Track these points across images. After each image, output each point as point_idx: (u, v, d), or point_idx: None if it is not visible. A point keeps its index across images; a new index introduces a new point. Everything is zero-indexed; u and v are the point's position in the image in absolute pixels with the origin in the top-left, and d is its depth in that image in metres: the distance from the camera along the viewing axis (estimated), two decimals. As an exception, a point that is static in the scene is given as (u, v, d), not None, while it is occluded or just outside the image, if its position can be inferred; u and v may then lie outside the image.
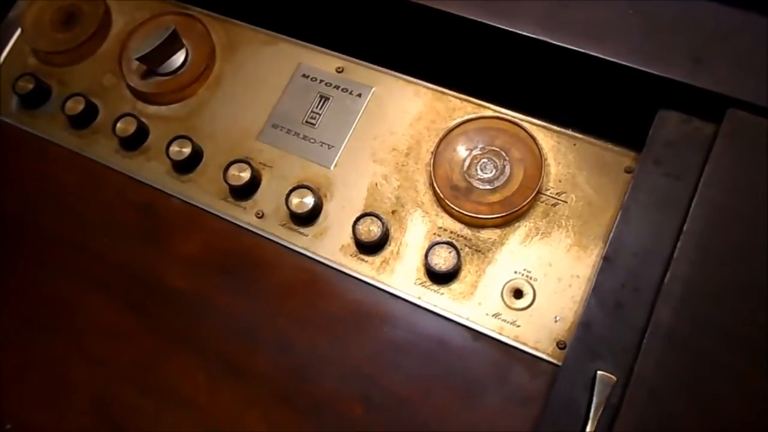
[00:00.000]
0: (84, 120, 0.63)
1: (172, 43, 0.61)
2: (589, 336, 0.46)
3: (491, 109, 0.57)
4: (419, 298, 0.53)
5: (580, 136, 0.55)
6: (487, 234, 0.54)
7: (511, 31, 0.49)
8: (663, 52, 0.47)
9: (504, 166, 0.55)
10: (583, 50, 0.48)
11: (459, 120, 0.57)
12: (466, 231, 0.55)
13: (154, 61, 0.61)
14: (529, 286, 0.52)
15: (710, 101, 0.47)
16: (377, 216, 0.55)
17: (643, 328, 0.44)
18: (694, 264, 0.44)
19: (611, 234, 0.48)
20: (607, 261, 0.47)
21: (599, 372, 0.44)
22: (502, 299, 0.52)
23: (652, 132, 0.49)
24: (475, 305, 0.53)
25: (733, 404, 0.41)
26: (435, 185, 0.55)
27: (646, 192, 0.48)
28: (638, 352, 0.43)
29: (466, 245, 0.54)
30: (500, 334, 0.51)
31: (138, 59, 0.61)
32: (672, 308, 0.43)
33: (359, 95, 0.60)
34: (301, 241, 0.57)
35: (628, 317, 0.45)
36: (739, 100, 0.46)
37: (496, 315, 0.52)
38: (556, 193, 0.54)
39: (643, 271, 0.46)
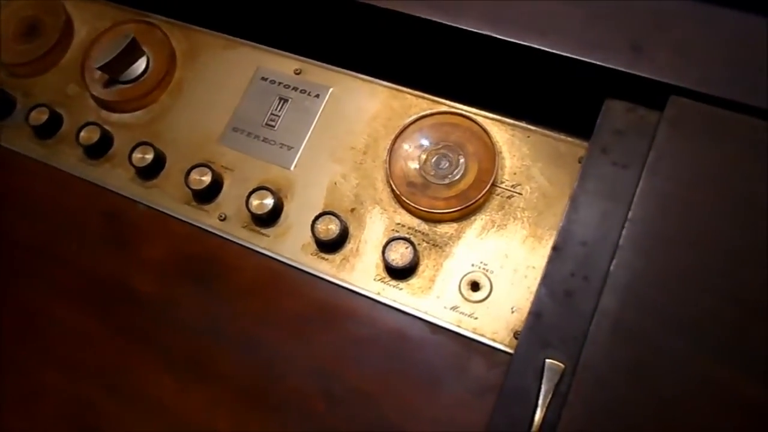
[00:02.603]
0: (48, 130, 0.64)
1: (132, 51, 0.62)
2: (539, 325, 0.46)
3: (446, 105, 0.58)
4: (379, 293, 0.54)
5: (533, 128, 0.56)
6: (444, 228, 0.55)
7: (456, 27, 0.50)
8: (604, 42, 0.48)
9: (459, 161, 0.55)
10: (527, 43, 0.49)
11: (414, 117, 0.57)
12: (424, 226, 0.55)
13: (115, 69, 0.62)
14: (486, 279, 0.53)
15: (652, 89, 0.47)
16: (335, 215, 0.55)
17: (591, 316, 0.44)
18: (639, 251, 0.45)
19: (560, 224, 0.49)
20: (556, 251, 0.48)
21: (548, 360, 0.45)
22: (460, 292, 0.53)
23: (599, 121, 0.50)
24: (434, 299, 0.53)
25: (678, 388, 0.41)
26: (391, 182, 0.55)
27: (594, 181, 0.49)
28: (585, 340, 0.44)
29: (423, 240, 0.55)
30: (458, 326, 0.52)
31: (99, 68, 0.62)
32: (618, 296, 0.44)
33: (317, 96, 0.61)
34: (263, 242, 0.57)
35: (578, 306, 0.46)
36: (680, 87, 0.47)
37: (454, 308, 0.53)
38: (512, 186, 0.55)
39: (591, 260, 0.47)
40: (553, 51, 0.48)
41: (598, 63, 0.48)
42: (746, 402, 0.41)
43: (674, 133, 0.47)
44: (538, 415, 0.43)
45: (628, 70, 0.47)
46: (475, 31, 0.49)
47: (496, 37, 0.49)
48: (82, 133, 0.62)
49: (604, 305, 0.44)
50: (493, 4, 0.50)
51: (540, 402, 0.43)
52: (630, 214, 0.46)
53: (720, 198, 0.45)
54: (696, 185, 0.46)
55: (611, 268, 0.45)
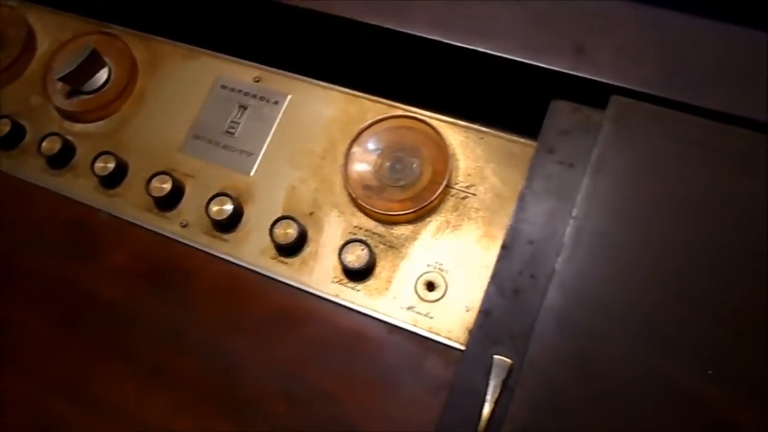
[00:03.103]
0: (11, 142, 0.64)
1: (93, 62, 0.63)
2: (488, 322, 0.47)
3: (401, 109, 0.59)
4: (337, 295, 0.55)
5: (486, 130, 0.57)
6: (400, 230, 0.56)
7: (405, 33, 0.51)
8: (548, 44, 0.49)
9: (413, 164, 0.56)
10: (473, 47, 0.50)
11: (370, 121, 0.58)
12: (381, 228, 0.56)
13: (76, 80, 0.63)
14: (441, 278, 0.54)
15: (595, 90, 0.48)
16: (294, 219, 0.56)
17: (538, 313, 0.45)
18: (583, 248, 0.46)
19: (509, 223, 0.50)
20: (504, 249, 0.49)
21: (496, 356, 0.46)
22: (416, 292, 0.54)
23: (545, 122, 0.51)
24: (390, 300, 0.54)
25: (621, 381, 0.42)
26: (348, 186, 0.56)
27: (542, 180, 0.50)
28: (532, 336, 0.44)
29: (380, 242, 0.56)
30: (415, 326, 0.53)
31: (60, 79, 0.62)
32: (563, 292, 0.45)
33: (276, 103, 0.62)
34: (223, 247, 0.58)
35: (525, 303, 0.47)
36: (621, 87, 0.48)
37: (410, 308, 0.54)
38: (466, 187, 0.56)
39: (538, 258, 0.48)
40: (499, 54, 0.50)
41: (542, 65, 0.49)
42: (688, 394, 0.42)
43: (616, 132, 0.48)
44: (486, 410, 0.44)
45: (571, 72, 0.49)
46: (424, 36, 0.51)
47: (444, 42, 0.50)
48: (44, 144, 0.62)
49: (550, 302, 0.45)
50: (440, 10, 0.51)
51: (488, 397, 0.44)
52: (574, 212, 0.47)
53: (661, 194, 0.46)
54: (637, 181, 0.47)
55: (556, 265, 0.46)
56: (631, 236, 0.46)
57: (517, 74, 0.50)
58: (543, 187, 0.50)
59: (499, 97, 0.56)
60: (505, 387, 0.45)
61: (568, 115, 0.51)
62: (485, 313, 0.48)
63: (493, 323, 0.47)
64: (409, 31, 0.51)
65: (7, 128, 0.63)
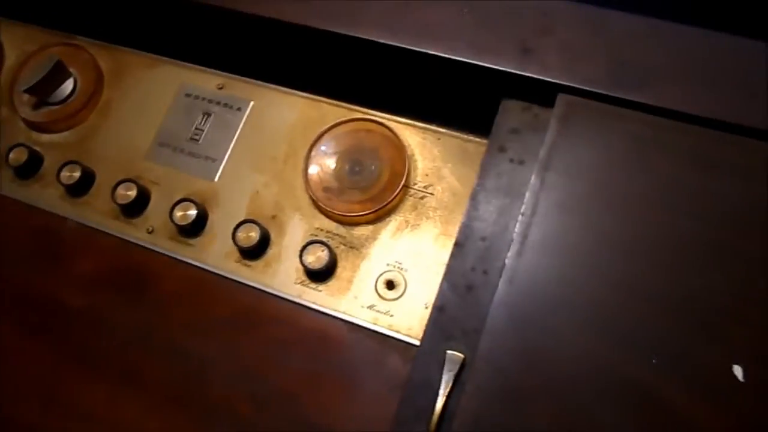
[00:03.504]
0: (-21, 153, 0.65)
1: (58, 73, 0.64)
2: (442, 318, 0.48)
3: (360, 112, 0.60)
4: (300, 296, 0.56)
5: (443, 130, 0.58)
6: (360, 231, 0.57)
7: (355, 36, 0.52)
8: (495, 45, 0.50)
9: (372, 165, 0.58)
10: (422, 50, 0.51)
11: (329, 125, 0.59)
12: (341, 229, 0.57)
13: (42, 91, 0.64)
14: (400, 277, 0.55)
15: (542, 88, 0.50)
16: (256, 222, 0.57)
17: (489, 308, 0.46)
18: (532, 244, 0.47)
19: (462, 220, 0.51)
20: (457, 246, 0.50)
21: (449, 351, 0.47)
22: (376, 291, 0.55)
23: (496, 120, 0.52)
24: (351, 299, 0.55)
25: (568, 372, 0.43)
26: (308, 189, 0.57)
27: (493, 178, 0.51)
28: (483, 331, 0.46)
29: (341, 243, 0.57)
30: (375, 324, 0.54)
31: (25, 91, 0.63)
32: (513, 287, 0.46)
33: (239, 109, 0.63)
34: (188, 252, 0.59)
35: (478, 298, 0.48)
36: (567, 85, 0.49)
37: (371, 307, 0.55)
38: (424, 186, 0.57)
39: (490, 254, 0.49)
40: (447, 56, 0.51)
41: (489, 66, 0.50)
42: (635, 383, 0.43)
43: (564, 129, 0.49)
44: (439, 404, 0.45)
45: (518, 72, 0.50)
46: (373, 39, 0.52)
47: (393, 45, 0.52)
48: (11, 155, 0.63)
49: (500, 296, 0.46)
50: (389, 13, 0.52)
51: (441, 391, 0.45)
52: (522, 209, 0.48)
53: (609, 189, 0.47)
54: (586, 177, 0.48)
55: (506, 260, 0.47)
56: (580, 231, 0.47)
57: (466, 75, 0.51)
58: (494, 184, 0.51)
59: (454, 98, 0.57)
60: (457, 381, 0.46)
61: (517, 114, 0.52)
62: (439, 309, 0.49)
63: (447, 319, 0.48)
64: (358, 35, 0.52)
65: (-26, 140, 0.64)
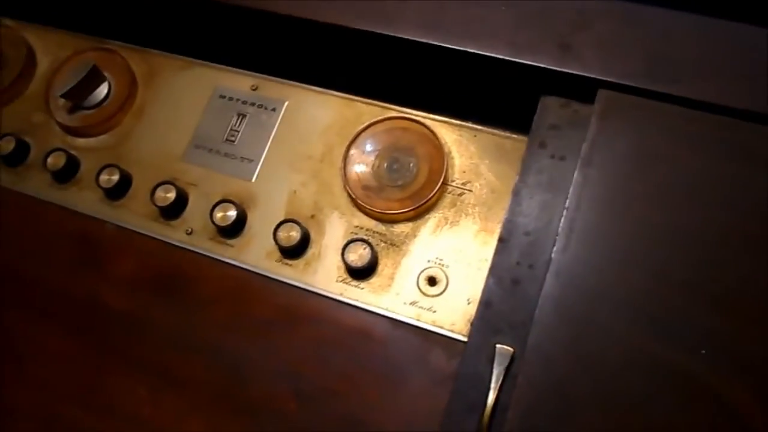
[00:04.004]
0: (16, 158, 0.66)
1: (93, 78, 0.65)
2: (489, 313, 0.49)
3: (395, 111, 0.61)
4: (341, 294, 0.57)
5: (479, 127, 0.59)
6: (400, 228, 0.58)
7: (396, 37, 0.52)
8: (534, 43, 0.51)
9: (410, 163, 0.58)
10: (462, 48, 0.52)
11: (366, 124, 0.60)
12: (381, 227, 0.58)
13: (77, 96, 0.65)
14: (442, 273, 0.56)
15: (582, 84, 0.50)
16: (296, 222, 0.58)
17: (537, 302, 0.47)
18: (577, 238, 0.47)
19: (505, 216, 0.51)
20: (502, 242, 0.50)
21: (498, 345, 0.47)
22: (418, 288, 0.55)
23: (536, 117, 0.53)
24: (394, 296, 0.56)
25: (617, 364, 0.44)
26: (347, 187, 0.58)
27: (535, 174, 0.52)
28: (532, 324, 0.46)
29: (381, 240, 0.57)
30: (418, 320, 0.55)
31: (62, 96, 0.64)
32: (559, 280, 0.47)
33: (273, 110, 0.63)
34: (228, 252, 0.60)
35: (524, 292, 0.49)
36: (607, 81, 0.50)
37: (413, 303, 0.55)
38: (462, 183, 0.58)
39: (535, 249, 0.50)
40: (488, 54, 0.51)
41: (529, 63, 0.50)
42: (683, 373, 0.44)
43: (605, 125, 0.50)
44: (491, 398, 0.46)
45: (557, 68, 0.50)
46: (414, 39, 0.52)
47: (433, 44, 0.52)
48: (49, 159, 0.64)
49: (548, 290, 0.47)
50: (429, 13, 0.53)
51: (492, 385, 0.46)
52: (567, 203, 0.48)
53: (650, 182, 0.48)
54: (626, 172, 0.48)
55: (553, 255, 0.48)
56: (623, 224, 0.47)
57: (505, 72, 0.52)
58: (536, 180, 0.52)
59: (490, 95, 0.57)
60: (508, 374, 0.46)
61: (557, 111, 0.53)
62: (486, 304, 0.49)
63: (494, 313, 0.49)
64: (398, 35, 0.52)
65: (11, 146, 0.64)
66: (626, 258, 0.46)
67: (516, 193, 0.52)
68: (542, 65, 0.50)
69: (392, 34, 0.53)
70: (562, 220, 0.48)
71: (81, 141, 0.66)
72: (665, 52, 0.50)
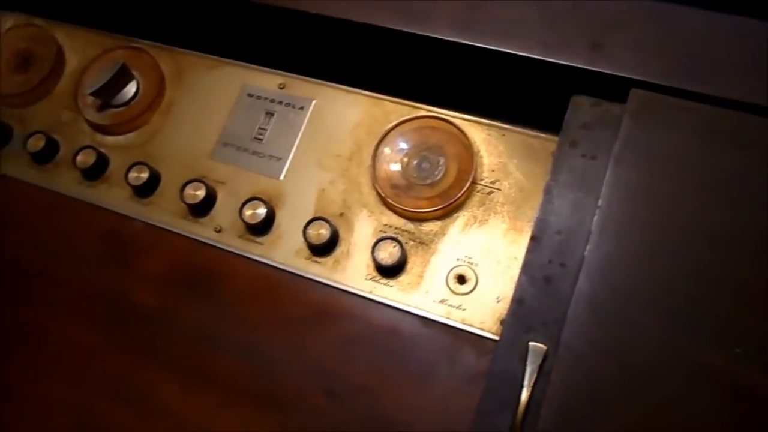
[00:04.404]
0: (46, 156, 0.66)
1: (122, 76, 0.65)
2: (521, 311, 0.49)
3: (424, 109, 0.61)
4: (371, 292, 0.57)
5: (508, 126, 0.59)
6: (429, 226, 0.58)
7: (427, 36, 0.53)
8: (565, 42, 0.51)
9: (439, 162, 0.59)
10: (494, 48, 0.52)
11: (394, 122, 0.60)
12: (410, 225, 0.58)
13: (106, 94, 0.65)
14: (471, 272, 0.56)
15: (614, 84, 0.50)
16: (325, 220, 0.58)
17: (569, 299, 0.47)
18: (609, 236, 0.48)
19: (536, 215, 0.52)
20: (534, 240, 0.51)
21: (531, 343, 0.47)
22: (447, 286, 0.56)
23: (567, 116, 0.53)
24: (423, 294, 0.56)
25: (650, 361, 0.44)
26: (376, 186, 0.58)
27: (566, 173, 0.52)
28: (564, 322, 0.46)
29: (410, 239, 0.58)
30: (448, 318, 0.55)
31: (91, 94, 0.64)
32: (592, 279, 0.47)
33: (301, 108, 0.64)
34: (258, 250, 0.60)
35: (556, 290, 0.49)
36: (639, 80, 0.50)
37: (442, 301, 0.56)
38: (490, 182, 0.58)
39: (567, 247, 0.50)
40: (520, 53, 0.51)
41: (561, 62, 0.51)
42: (717, 372, 0.44)
43: (637, 124, 0.50)
44: (524, 395, 0.46)
45: (589, 67, 0.50)
46: (446, 39, 0.53)
47: (465, 44, 0.52)
48: (78, 157, 0.64)
49: (581, 288, 0.47)
50: (459, 13, 0.53)
51: (525, 383, 0.46)
52: (599, 202, 0.49)
53: (683, 182, 0.48)
54: (658, 171, 0.49)
55: (585, 253, 0.48)
56: (656, 223, 0.48)
57: (537, 72, 0.52)
58: (567, 179, 0.52)
59: (519, 94, 0.58)
60: (541, 372, 0.47)
61: (588, 110, 0.53)
62: (518, 302, 0.49)
63: (526, 311, 0.49)
64: (431, 35, 0.53)
65: (41, 143, 0.65)
66: (660, 256, 0.47)
67: (547, 192, 0.52)
68: (574, 64, 0.50)
69: (423, 33, 0.53)
70: (595, 218, 0.48)
71: (110, 139, 0.67)
72: (697, 51, 0.50)
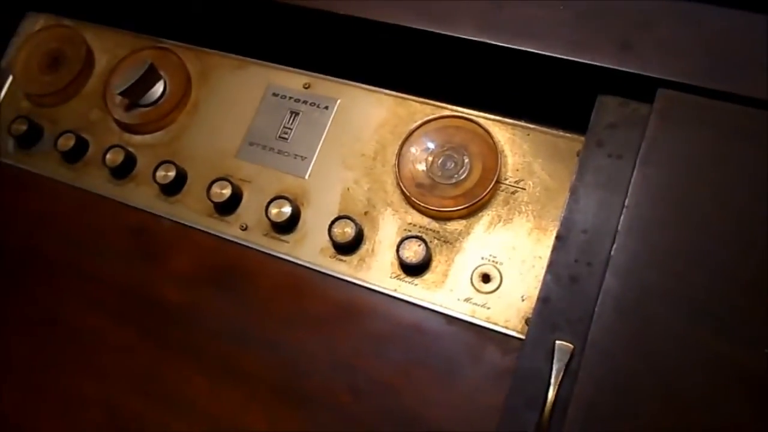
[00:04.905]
0: (76, 154, 0.68)
1: (150, 76, 0.66)
2: (547, 310, 0.49)
3: (448, 109, 0.61)
4: (395, 290, 0.57)
5: (533, 126, 0.59)
6: (453, 225, 0.58)
7: (453, 36, 0.53)
8: (593, 41, 0.51)
9: (463, 161, 0.59)
10: (520, 48, 0.52)
11: (419, 122, 0.61)
12: (434, 224, 0.59)
13: (135, 94, 0.66)
14: (495, 270, 0.56)
15: (641, 83, 0.50)
16: (350, 218, 0.59)
17: (595, 298, 0.47)
18: (636, 235, 0.48)
19: (562, 215, 0.52)
20: (559, 239, 0.51)
21: (557, 342, 0.48)
22: (472, 284, 0.56)
23: (593, 116, 0.53)
24: (447, 292, 0.56)
25: (677, 359, 0.44)
26: (401, 185, 0.59)
27: (592, 172, 0.52)
28: (591, 321, 0.47)
29: (435, 237, 0.58)
30: (472, 316, 0.55)
31: (120, 94, 0.66)
32: (619, 278, 0.47)
33: (326, 108, 0.64)
34: (283, 248, 0.61)
35: (582, 289, 0.49)
36: (667, 80, 0.50)
37: (467, 299, 0.56)
38: (515, 182, 0.58)
39: (593, 246, 0.50)
40: (546, 53, 0.52)
41: (589, 62, 0.51)
42: (740, 370, 0.44)
43: (664, 124, 0.50)
44: (551, 393, 0.46)
45: (617, 67, 0.51)
46: (472, 38, 0.53)
47: (491, 44, 0.53)
48: (107, 156, 0.66)
49: (607, 287, 0.47)
50: (485, 12, 0.53)
51: (552, 381, 0.46)
52: (626, 202, 0.49)
53: (708, 181, 0.48)
54: (685, 170, 0.49)
55: (612, 252, 0.48)
56: (682, 223, 0.48)
57: (564, 72, 0.52)
58: (593, 179, 0.52)
59: (544, 94, 0.58)
60: (567, 370, 0.47)
61: (615, 109, 0.53)
62: (544, 300, 0.50)
63: (552, 310, 0.49)
64: (457, 35, 0.53)
65: (72, 142, 0.66)
66: (687, 256, 0.47)
67: (573, 192, 0.52)
68: (602, 64, 0.50)
69: (448, 33, 0.53)
70: (622, 218, 0.48)
71: (137, 138, 0.68)
72: (725, 51, 0.50)
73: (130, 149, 0.67)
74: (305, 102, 0.65)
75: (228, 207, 0.63)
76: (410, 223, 0.59)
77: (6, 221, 0.68)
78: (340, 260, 0.59)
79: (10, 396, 0.63)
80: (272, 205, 0.61)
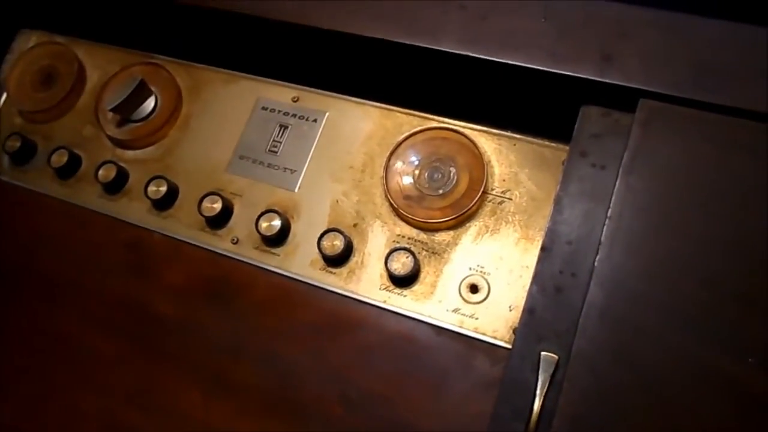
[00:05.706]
0: (69, 170, 0.69)
1: (141, 92, 0.67)
2: (533, 321, 0.50)
3: (435, 121, 0.62)
4: (385, 302, 0.58)
5: (519, 136, 0.60)
6: (441, 236, 0.59)
7: (437, 50, 0.54)
8: (575, 53, 0.51)
9: (450, 172, 0.59)
10: (503, 60, 0.52)
11: (406, 134, 0.61)
12: (422, 236, 0.59)
13: (126, 110, 0.67)
14: (483, 281, 0.57)
15: (624, 94, 0.51)
16: (339, 231, 0.59)
17: (580, 309, 0.48)
18: (620, 245, 0.48)
19: (546, 225, 0.52)
20: (544, 250, 0.51)
21: (543, 353, 0.48)
22: (460, 295, 0.57)
23: (577, 126, 0.53)
24: (436, 303, 0.57)
25: (662, 369, 0.45)
26: (389, 197, 0.59)
27: (576, 183, 0.52)
28: (576, 331, 0.47)
29: (423, 249, 0.59)
30: (461, 327, 0.56)
31: (111, 110, 0.66)
32: (603, 288, 0.47)
33: (315, 121, 0.65)
34: (274, 261, 0.62)
35: (567, 300, 0.49)
36: (648, 90, 0.50)
37: (455, 310, 0.56)
38: (502, 192, 0.59)
39: (577, 257, 0.50)
40: (528, 65, 0.52)
41: (571, 74, 0.51)
42: (729, 381, 0.44)
43: (646, 133, 0.50)
44: (537, 404, 0.47)
45: (599, 78, 0.51)
46: (455, 52, 0.53)
47: (474, 57, 0.53)
48: (100, 172, 0.66)
49: (592, 298, 0.48)
50: (468, 25, 0.54)
51: (538, 392, 0.47)
52: (609, 212, 0.49)
53: (690, 190, 0.49)
54: (668, 180, 0.49)
55: (596, 263, 0.48)
56: (667, 233, 0.48)
57: (546, 83, 0.53)
58: (577, 189, 0.52)
59: (530, 105, 0.58)
60: (552, 381, 0.47)
61: (598, 120, 0.53)
62: (529, 311, 0.50)
63: (538, 321, 0.50)
64: (441, 48, 0.54)
65: (65, 158, 0.67)
66: (671, 266, 0.47)
67: (557, 202, 0.52)
68: (584, 76, 0.51)
69: (433, 47, 0.54)
70: (605, 228, 0.49)
71: (129, 153, 0.69)
72: (708, 61, 0.51)
73: (122, 165, 0.67)
74: (294, 115, 0.66)
75: (219, 221, 0.63)
76: (399, 235, 0.59)
77: (0, 237, 0.69)
78: (330, 272, 0.60)
79: (7, 411, 0.63)
80: (262, 218, 0.61)
